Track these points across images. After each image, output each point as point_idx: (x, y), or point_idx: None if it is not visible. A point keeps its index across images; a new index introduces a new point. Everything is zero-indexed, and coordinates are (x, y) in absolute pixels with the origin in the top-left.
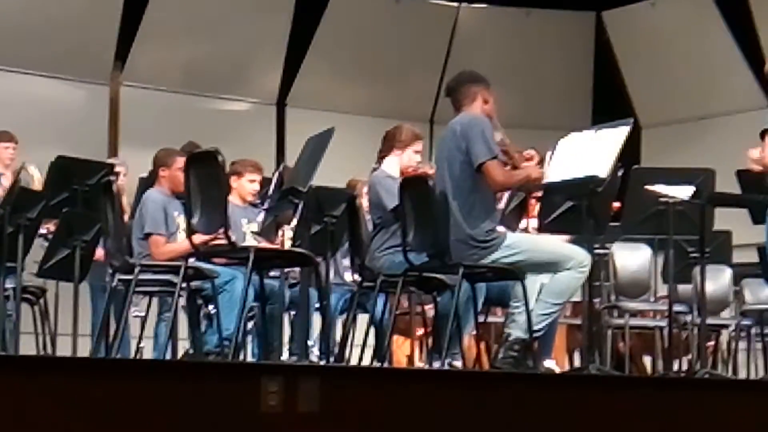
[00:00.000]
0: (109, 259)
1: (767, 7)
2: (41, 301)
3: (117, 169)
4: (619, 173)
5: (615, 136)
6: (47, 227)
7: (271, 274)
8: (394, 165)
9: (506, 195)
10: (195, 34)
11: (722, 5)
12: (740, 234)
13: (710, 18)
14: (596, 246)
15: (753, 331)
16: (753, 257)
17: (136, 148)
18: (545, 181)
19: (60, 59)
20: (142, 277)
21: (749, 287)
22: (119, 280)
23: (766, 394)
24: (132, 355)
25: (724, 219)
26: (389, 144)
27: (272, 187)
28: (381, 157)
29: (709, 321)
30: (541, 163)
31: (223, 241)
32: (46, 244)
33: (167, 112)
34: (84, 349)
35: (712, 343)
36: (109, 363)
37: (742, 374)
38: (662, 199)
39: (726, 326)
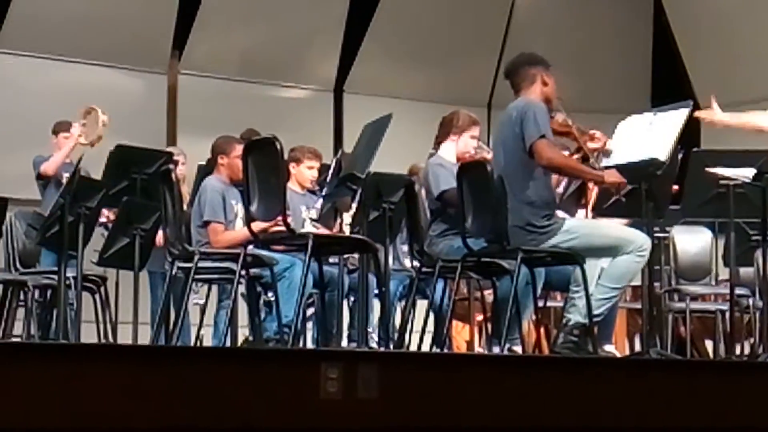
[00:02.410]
0: (169, 247)
1: None
2: (102, 289)
3: (176, 157)
4: (679, 156)
5: (674, 119)
6: (107, 216)
7: (330, 260)
8: (450, 151)
9: (565, 180)
10: (251, 22)
11: None
12: None
13: None
14: (656, 229)
15: None
16: None
17: (194, 136)
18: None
19: (118, 49)
20: (201, 264)
21: None
22: (179, 267)
23: None
24: (192, 342)
25: None
26: (446, 130)
27: (331, 173)
28: (438, 143)
29: None
30: (604, 147)
31: (282, 228)
32: (106, 232)
33: (225, 100)
34: (144, 337)
35: None
36: (169, 350)
37: None
38: (723, 182)
39: None
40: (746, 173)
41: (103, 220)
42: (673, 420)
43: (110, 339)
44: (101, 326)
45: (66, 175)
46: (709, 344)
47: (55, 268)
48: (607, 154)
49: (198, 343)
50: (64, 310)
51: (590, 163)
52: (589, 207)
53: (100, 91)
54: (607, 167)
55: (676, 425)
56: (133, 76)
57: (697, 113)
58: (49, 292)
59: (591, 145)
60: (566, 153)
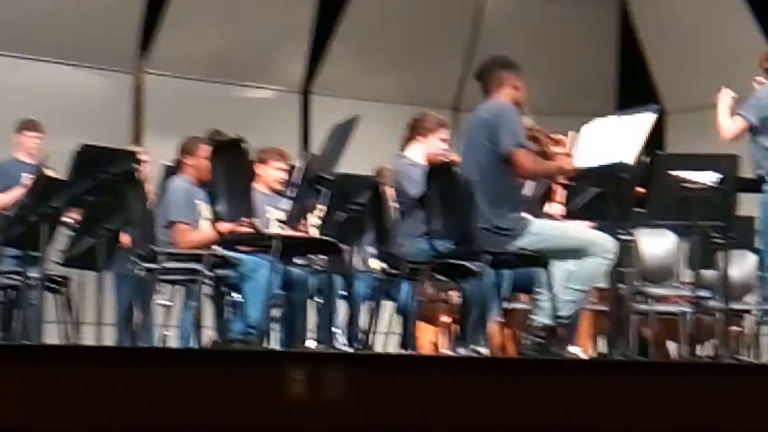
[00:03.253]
0: (134, 248)
1: None
2: (65, 290)
3: (141, 157)
4: (645, 159)
5: (640, 123)
6: (71, 216)
7: (297, 261)
8: (418, 152)
9: (532, 182)
10: (219, 22)
11: None
12: None
13: (734, 3)
14: (621, 232)
15: None
16: None
17: (160, 136)
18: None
19: (84, 47)
20: (166, 265)
21: None
22: (143, 268)
23: None
24: (156, 343)
25: (748, 204)
26: (414, 131)
27: (298, 174)
28: (405, 145)
29: (734, 306)
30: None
31: (248, 229)
32: (70, 233)
33: (192, 100)
34: (108, 338)
35: (735, 328)
36: (133, 351)
37: (765, 359)
38: (687, 185)
39: (750, 311)
40: (710, 177)
41: (67, 220)
42: (636, 421)
43: (74, 340)
44: (64, 327)
45: (26, 176)
46: (671, 346)
47: (18, 269)
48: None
49: (163, 344)
50: (27, 311)
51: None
52: (556, 209)
53: (65, 90)
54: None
55: (640, 426)
56: (98, 75)
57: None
58: (12, 293)
59: (555, 149)
60: None
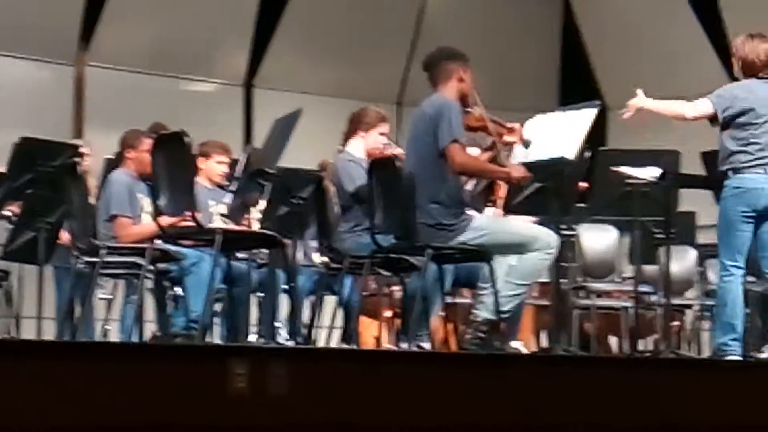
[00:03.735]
0: (75, 241)
1: None
2: (5, 283)
3: (82, 150)
4: (586, 155)
5: (582, 118)
6: (11, 209)
7: (239, 255)
8: (359, 147)
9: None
10: (162, 14)
11: None
12: (704, 215)
13: (677, 1)
14: (563, 227)
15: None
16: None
17: (101, 129)
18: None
19: (25, 39)
20: (107, 259)
21: (713, 268)
22: (84, 262)
23: (729, 373)
24: (97, 337)
25: (689, 200)
26: (354, 126)
27: (240, 168)
28: (346, 139)
29: (674, 301)
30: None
31: (190, 223)
32: (10, 226)
33: (133, 92)
34: (49, 332)
35: (676, 323)
36: (74, 346)
37: (705, 354)
38: (628, 181)
39: (690, 306)
40: (651, 173)
41: (7, 213)
42: (578, 416)
43: (13, 334)
44: (4, 321)
45: None
46: (613, 341)
47: None
48: (527, 144)
49: (104, 338)
50: None
51: (498, 159)
52: (499, 204)
53: (6, 82)
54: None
55: (581, 420)
56: (39, 68)
57: (629, 102)
58: None
59: (507, 138)
60: (478, 150)
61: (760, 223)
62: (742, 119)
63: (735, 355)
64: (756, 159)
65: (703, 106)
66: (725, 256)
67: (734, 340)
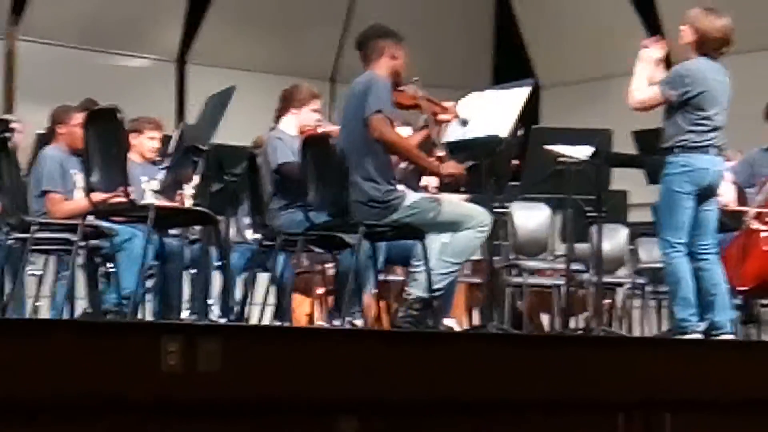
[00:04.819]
0: (5, 217)
1: None
2: None
3: (13, 125)
4: (519, 133)
5: (515, 96)
6: None
7: (171, 232)
8: (291, 124)
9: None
10: None
11: None
12: (636, 194)
13: None
14: (495, 205)
15: (647, 289)
16: (648, 217)
17: (33, 104)
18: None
19: None
20: (38, 235)
21: (644, 246)
22: (15, 238)
23: (660, 350)
24: (28, 314)
25: (621, 179)
26: (286, 103)
27: (173, 144)
28: (278, 116)
29: (605, 279)
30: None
31: (123, 199)
32: None
33: (65, 67)
34: None
35: (608, 301)
36: (3, 323)
37: (636, 331)
38: (561, 159)
39: (621, 284)
40: (583, 151)
41: None
42: (509, 392)
43: None
44: None
45: None
46: (545, 318)
47: None
48: (465, 123)
49: (34, 315)
50: None
51: (432, 140)
52: (431, 182)
53: None
54: (448, 143)
55: (513, 396)
56: None
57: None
58: None
59: (442, 116)
60: (410, 129)
61: (700, 202)
62: (695, 101)
63: (696, 329)
64: (706, 140)
65: (650, 97)
66: (670, 234)
67: (693, 315)
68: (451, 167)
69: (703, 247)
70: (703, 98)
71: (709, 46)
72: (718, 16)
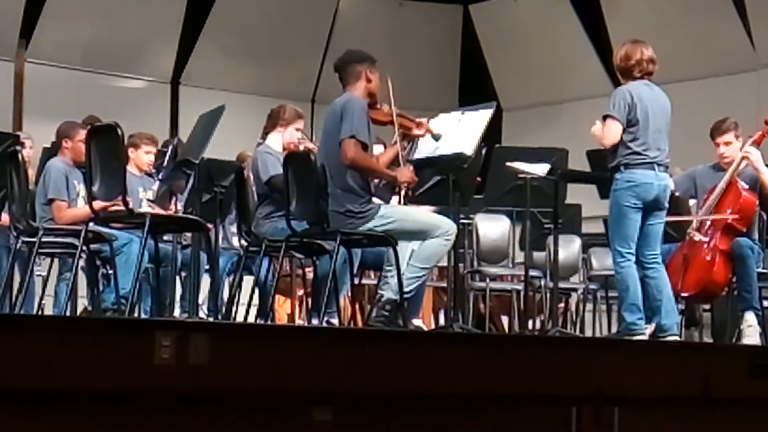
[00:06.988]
0: (14, 223)
1: (615, 3)
2: None
3: (23, 140)
4: (483, 151)
5: (479, 118)
6: None
7: (165, 238)
8: (277, 141)
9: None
10: (95, 15)
11: (575, 2)
12: (589, 207)
13: (565, 12)
14: (461, 216)
15: (598, 294)
16: (600, 228)
17: (39, 121)
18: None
19: None
20: (45, 239)
21: (596, 255)
22: (23, 242)
23: (610, 350)
24: (34, 312)
25: (575, 194)
26: (273, 121)
27: (167, 158)
28: (266, 133)
29: (560, 285)
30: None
31: (121, 208)
32: None
33: (69, 88)
34: None
35: (562, 305)
36: (11, 318)
37: (588, 332)
38: (520, 175)
39: (575, 290)
40: (541, 168)
41: None
42: (472, 386)
43: None
44: None
45: None
46: (505, 320)
47: None
48: (437, 138)
49: (39, 313)
50: None
51: (400, 155)
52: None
53: None
54: (419, 159)
55: (475, 391)
56: None
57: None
58: None
59: (416, 132)
60: (382, 147)
61: (646, 214)
62: (633, 121)
63: (643, 332)
64: (644, 157)
65: (614, 129)
66: (619, 244)
67: (640, 319)
68: (405, 176)
69: (650, 256)
70: (638, 119)
71: (629, 72)
72: (638, 45)
